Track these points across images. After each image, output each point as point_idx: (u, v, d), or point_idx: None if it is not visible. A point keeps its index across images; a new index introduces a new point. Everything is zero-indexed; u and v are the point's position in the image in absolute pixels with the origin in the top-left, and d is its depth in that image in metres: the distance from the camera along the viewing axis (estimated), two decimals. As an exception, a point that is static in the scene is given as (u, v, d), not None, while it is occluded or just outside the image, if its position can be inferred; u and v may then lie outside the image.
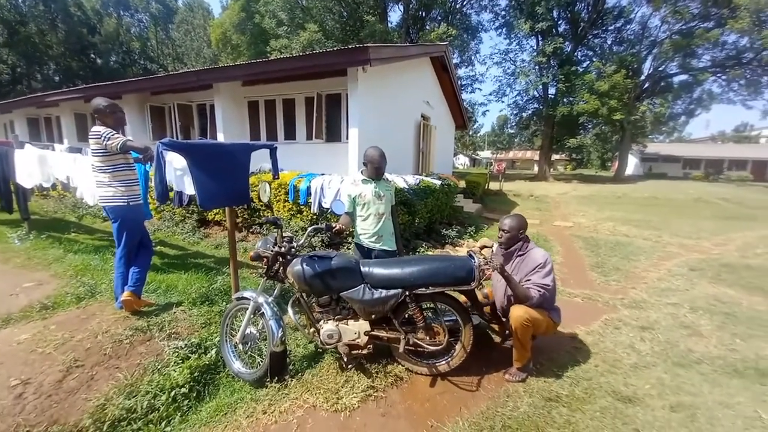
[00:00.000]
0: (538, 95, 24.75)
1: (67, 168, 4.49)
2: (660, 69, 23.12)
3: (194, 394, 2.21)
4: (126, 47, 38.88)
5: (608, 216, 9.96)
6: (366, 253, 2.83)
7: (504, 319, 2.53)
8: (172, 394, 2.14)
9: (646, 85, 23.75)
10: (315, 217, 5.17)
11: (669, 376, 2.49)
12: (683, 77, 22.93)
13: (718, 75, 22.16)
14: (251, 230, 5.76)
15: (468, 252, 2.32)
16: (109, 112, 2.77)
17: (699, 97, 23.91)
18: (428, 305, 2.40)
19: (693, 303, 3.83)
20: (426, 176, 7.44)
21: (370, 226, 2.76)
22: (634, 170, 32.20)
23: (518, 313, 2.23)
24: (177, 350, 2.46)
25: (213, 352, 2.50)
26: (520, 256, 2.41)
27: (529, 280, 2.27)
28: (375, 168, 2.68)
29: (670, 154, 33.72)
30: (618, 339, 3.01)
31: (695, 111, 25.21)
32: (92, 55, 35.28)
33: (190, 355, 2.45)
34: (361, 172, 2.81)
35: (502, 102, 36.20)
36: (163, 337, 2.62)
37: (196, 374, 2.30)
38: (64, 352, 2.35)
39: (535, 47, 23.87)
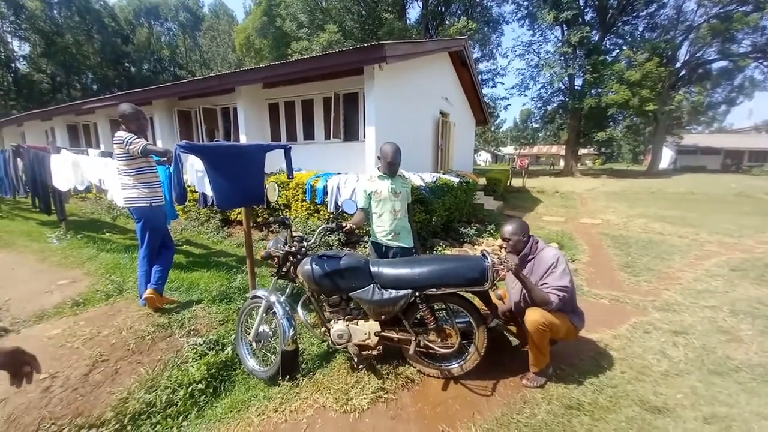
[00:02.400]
0: (563, 87, 23.76)
1: (99, 171, 4.73)
2: (697, 55, 21.65)
3: (211, 390, 2.26)
4: (157, 55, 40.74)
5: (640, 212, 9.44)
6: (383, 251, 2.79)
7: (520, 322, 2.43)
8: (190, 389, 2.20)
9: (682, 73, 22.31)
10: (331, 216, 5.20)
11: (703, 385, 2.31)
12: (722, 63, 21.39)
13: (760, 61, 20.50)
14: (271, 229, 5.87)
15: (482, 251, 2.24)
16: (134, 118, 2.90)
17: (740, 84, 22.26)
18: (441, 306, 2.34)
19: (733, 306, 3.55)
20: (444, 174, 7.32)
21: (386, 224, 2.73)
22: (669, 163, 30.41)
23: (534, 317, 2.13)
24: (195, 347, 2.54)
25: (230, 349, 2.55)
26: (532, 259, 2.31)
27: (545, 283, 2.16)
28: (388, 163, 2.65)
29: (709, 145, 31.56)
30: (647, 344, 2.83)
31: (736, 99, 23.51)
32: (126, 64, 37.25)
33: (207, 351, 2.51)
34: (378, 168, 2.78)
35: (525, 96, 35.13)
36: (183, 334, 2.71)
37: (213, 371, 2.35)
38: (91, 347, 2.47)
39: (560, 37, 22.93)
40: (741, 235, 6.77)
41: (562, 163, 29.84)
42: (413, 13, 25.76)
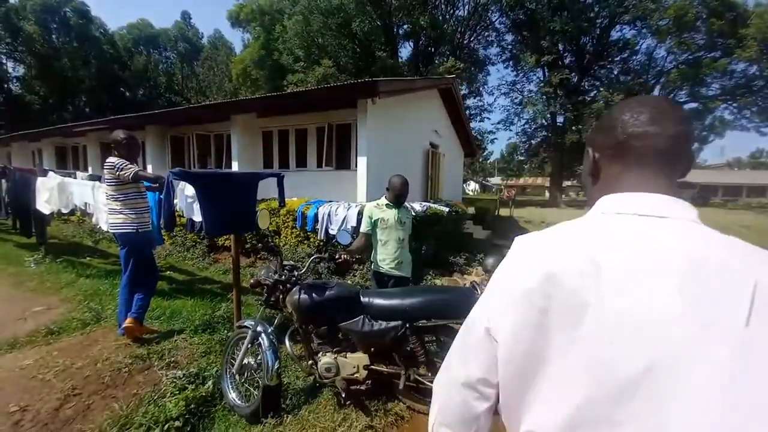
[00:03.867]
0: (546, 123, 24.99)
1: (86, 195, 4.68)
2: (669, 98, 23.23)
3: (188, 428, 2.14)
4: (153, 81, 41.45)
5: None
6: (384, 281, 2.81)
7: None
8: (166, 427, 2.07)
9: (656, 114, 23.77)
10: (321, 243, 5.19)
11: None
12: (693, 105, 22.93)
13: (729, 102, 22.08)
14: (259, 256, 5.80)
15: (471, 283, 2.27)
16: (125, 144, 2.93)
17: (711, 124, 23.77)
18: (430, 338, 2.31)
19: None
20: (434, 203, 7.45)
21: (391, 252, 2.75)
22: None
23: None
24: (174, 380, 2.42)
25: (210, 383, 2.44)
26: None
27: None
28: (396, 195, 2.72)
29: (684, 180, 33.04)
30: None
31: (708, 138, 25.00)
32: (122, 89, 37.68)
33: (187, 385, 2.40)
34: (384, 197, 2.83)
35: (511, 130, 36.56)
36: (162, 366, 2.60)
37: (191, 406, 2.23)
38: (64, 379, 2.35)
39: (542, 78, 24.40)
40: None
41: (547, 194, 30.71)
42: (405, 52, 27.16)
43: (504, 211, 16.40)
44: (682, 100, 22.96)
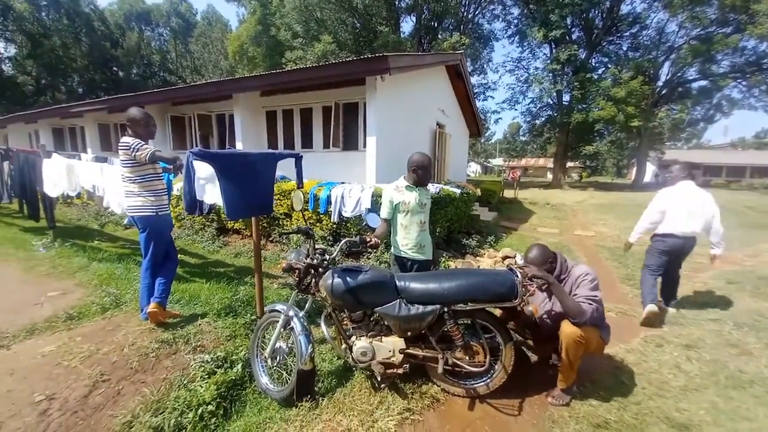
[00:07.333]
0: (551, 102, 24.47)
1: (94, 177, 4.55)
2: (678, 75, 22.64)
3: (221, 412, 2.13)
4: (147, 60, 40.25)
5: (630, 225, 9.53)
6: (404, 265, 2.72)
7: (543, 337, 2.38)
8: (200, 411, 2.06)
9: (664, 92, 23.27)
10: (335, 226, 5.12)
11: (722, 400, 2.31)
12: (702, 83, 22.40)
13: (739, 80, 21.55)
14: (270, 239, 5.73)
15: (508, 266, 2.21)
16: (143, 123, 2.81)
17: (718, 102, 23.32)
18: (464, 322, 2.27)
19: (736, 319, 3.60)
20: (445, 184, 7.33)
21: (413, 236, 2.66)
22: (652, 177, 31.42)
23: (571, 329, 2.08)
24: (203, 364, 2.40)
25: (239, 366, 2.42)
26: (565, 278, 2.26)
27: (575, 294, 2.11)
28: (420, 176, 2.59)
29: (689, 161, 32.83)
30: (661, 358, 2.83)
31: (714, 117, 24.62)
32: (114, 68, 36.60)
33: (216, 369, 2.38)
34: (404, 178, 2.71)
35: (515, 110, 35.85)
36: (189, 350, 2.57)
37: (222, 390, 2.22)
38: (90, 365, 2.32)
39: (548, 54, 23.68)
40: (729, 249, 6.93)
41: (549, 176, 30.48)
42: (407, 26, 26.30)
43: (508, 193, 16.31)
44: (692, 77, 22.42)
